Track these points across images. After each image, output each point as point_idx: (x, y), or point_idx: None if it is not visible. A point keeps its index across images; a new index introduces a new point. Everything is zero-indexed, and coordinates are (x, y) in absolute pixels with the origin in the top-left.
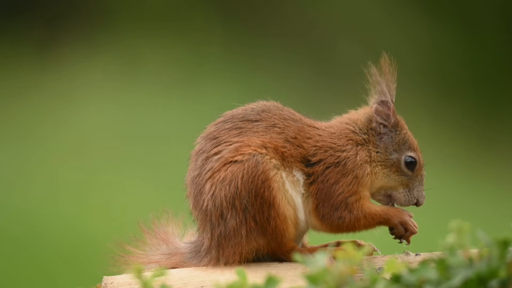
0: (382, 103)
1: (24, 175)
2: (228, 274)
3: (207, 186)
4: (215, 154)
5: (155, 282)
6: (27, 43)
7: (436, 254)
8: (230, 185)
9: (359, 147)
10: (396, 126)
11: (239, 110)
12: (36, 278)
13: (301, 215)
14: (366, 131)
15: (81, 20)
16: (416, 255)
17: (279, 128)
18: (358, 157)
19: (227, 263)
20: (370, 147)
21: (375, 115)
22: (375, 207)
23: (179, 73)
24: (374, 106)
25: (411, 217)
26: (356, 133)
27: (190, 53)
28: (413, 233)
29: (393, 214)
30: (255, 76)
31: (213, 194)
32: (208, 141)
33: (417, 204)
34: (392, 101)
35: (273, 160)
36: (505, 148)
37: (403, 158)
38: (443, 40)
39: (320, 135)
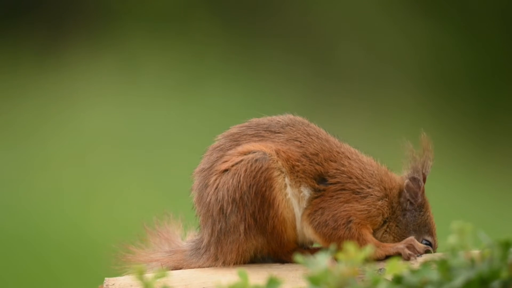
0: (414, 180)
1: (26, 176)
2: (229, 275)
3: (212, 179)
4: None
5: (157, 283)
6: (28, 45)
7: (438, 255)
8: (233, 179)
9: (386, 200)
10: (421, 207)
11: (265, 120)
12: (39, 278)
13: (299, 225)
14: (394, 203)
15: (82, 22)
16: (418, 256)
17: (300, 142)
18: (380, 202)
19: (224, 261)
20: (391, 217)
21: (405, 191)
22: (372, 237)
23: (181, 75)
24: (406, 181)
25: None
26: (388, 195)
27: (192, 55)
28: (419, 253)
29: (388, 246)
30: (256, 78)
31: (216, 187)
32: (228, 141)
33: None
34: (424, 180)
35: (279, 163)
36: (506, 150)
37: (420, 240)
38: (443, 41)
39: (349, 163)
